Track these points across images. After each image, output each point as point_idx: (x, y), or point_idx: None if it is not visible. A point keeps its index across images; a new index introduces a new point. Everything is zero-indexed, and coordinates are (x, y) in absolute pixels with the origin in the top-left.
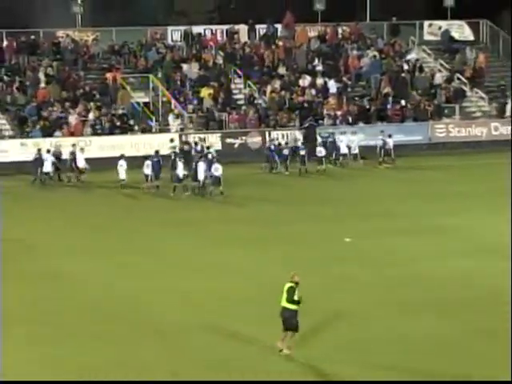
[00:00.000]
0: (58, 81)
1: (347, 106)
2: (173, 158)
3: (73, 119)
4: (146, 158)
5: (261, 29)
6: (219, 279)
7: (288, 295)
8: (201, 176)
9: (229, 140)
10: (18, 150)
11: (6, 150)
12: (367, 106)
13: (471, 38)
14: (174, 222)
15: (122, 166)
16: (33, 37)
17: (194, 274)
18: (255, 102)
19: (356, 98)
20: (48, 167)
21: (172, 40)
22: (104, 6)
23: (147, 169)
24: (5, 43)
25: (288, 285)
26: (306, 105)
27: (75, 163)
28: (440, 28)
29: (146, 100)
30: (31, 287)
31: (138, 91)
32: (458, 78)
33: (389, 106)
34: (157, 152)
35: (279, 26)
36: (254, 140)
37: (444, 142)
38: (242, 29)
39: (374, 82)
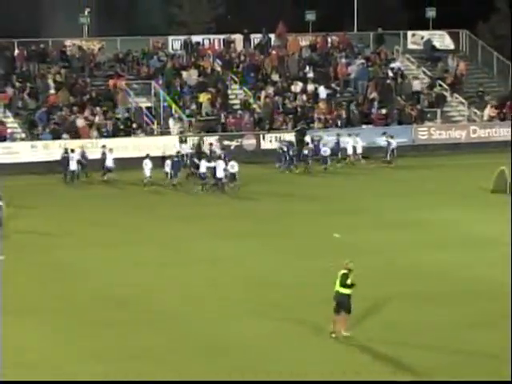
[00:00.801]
0: (66, 87)
1: (336, 110)
2: (194, 158)
3: (80, 123)
4: (165, 158)
5: (255, 38)
6: (224, 269)
7: (341, 280)
8: (220, 173)
9: (225, 142)
10: (29, 152)
11: (18, 152)
12: (354, 111)
13: (451, 47)
14: (190, 217)
15: (147, 164)
16: (42, 46)
17: (201, 265)
18: (250, 106)
19: (344, 103)
20: (74, 166)
21: (172, 49)
22: (109, 17)
23: (167, 167)
24: (16, 52)
25: (342, 271)
26: (298, 109)
27: (104, 163)
28: (422, 38)
29: (149, 105)
30: (49, 277)
31: (141, 96)
32: (440, 85)
33: (373, 111)
34: (178, 152)
35: (272, 36)
36: (249, 142)
37: (426, 144)
38: (238, 38)
39: (361, 88)
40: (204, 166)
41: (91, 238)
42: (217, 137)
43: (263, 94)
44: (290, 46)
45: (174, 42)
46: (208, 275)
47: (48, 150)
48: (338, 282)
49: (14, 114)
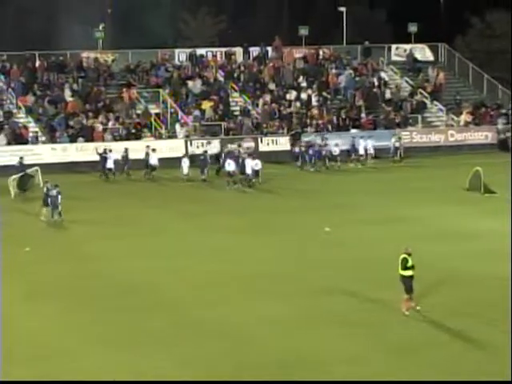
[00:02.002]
0: (82, 95)
1: (328, 116)
2: (223, 157)
3: (95, 127)
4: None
5: (254, 51)
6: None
7: (401, 264)
8: (248, 170)
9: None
10: (49, 154)
11: (40, 154)
12: (343, 117)
13: (431, 59)
14: (207, 211)
15: (186, 162)
16: (61, 57)
17: (211, 256)
18: (249, 112)
19: (334, 109)
20: (110, 164)
21: (179, 60)
22: (121, 32)
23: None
24: (37, 63)
25: (402, 256)
26: (293, 115)
27: (148, 161)
28: (405, 50)
29: (157, 111)
30: (66, 267)
31: (150, 103)
32: (421, 93)
33: (363, 116)
34: (205, 152)
35: (269, 49)
36: (248, 145)
37: (409, 147)
38: (238, 51)
39: (350, 96)
40: (232, 164)
41: (114, 230)
42: (219, 140)
43: (261, 101)
44: (285, 57)
45: (180, 55)
46: (215, 266)
47: (66, 152)
48: (399, 267)
49: (35, 119)
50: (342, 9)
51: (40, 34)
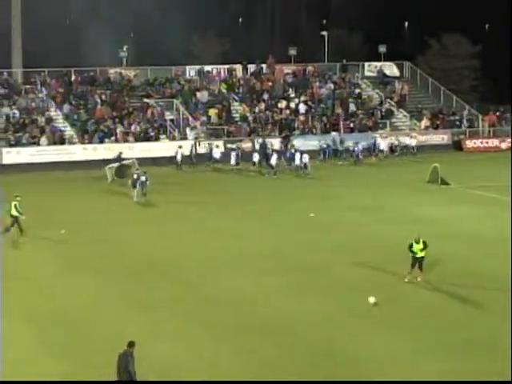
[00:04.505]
0: (110, 104)
1: (312, 121)
2: (268, 151)
3: (120, 131)
4: (232, 149)
5: (251, 67)
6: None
7: (408, 247)
8: (297, 161)
9: (228, 145)
10: (82, 153)
11: (74, 153)
12: (325, 122)
13: (397, 74)
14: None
15: (233, 155)
16: (92, 73)
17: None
18: (247, 118)
19: (317, 116)
20: (179, 157)
21: (189, 75)
22: (142, 52)
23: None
24: (73, 77)
25: (409, 241)
26: (283, 121)
27: (212, 155)
28: (376, 67)
29: (172, 117)
30: (89, 249)
31: (166, 111)
32: (389, 102)
33: (341, 122)
34: (238, 146)
35: (264, 66)
36: (246, 145)
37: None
38: (238, 68)
39: (330, 105)
40: (274, 158)
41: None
42: (222, 141)
43: (257, 109)
44: (277, 73)
45: (190, 71)
46: (223, 245)
47: (96, 151)
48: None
49: (70, 124)
50: (324, 33)
51: (75, 54)
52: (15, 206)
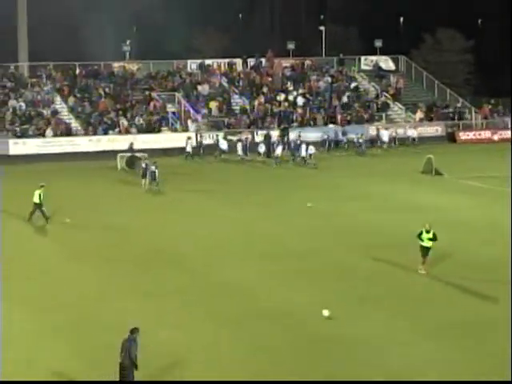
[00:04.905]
0: (113, 97)
1: (310, 114)
2: (275, 142)
3: (123, 123)
4: (239, 140)
5: (251, 61)
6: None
7: (418, 236)
8: (303, 153)
9: (229, 137)
10: (87, 144)
11: (79, 144)
12: (322, 114)
13: (393, 68)
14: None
15: (240, 146)
16: (96, 67)
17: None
18: (247, 111)
19: (315, 109)
20: (189, 148)
21: (190, 69)
22: (144, 46)
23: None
24: (77, 71)
25: (419, 231)
26: (281, 113)
27: (219, 146)
28: (372, 61)
29: (173, 110)
30: (96, 236)
31: (168, 103)
32: (385, 95)
33: (339, 115)
34: (246, 138)
35: (263, 60)
36: (238, 138)
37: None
38: (238, 61)
39: (328, 98)
40: (279, 148)
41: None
42: (223, 133)
43: (256, 102)
44: (276, 67)
45: (192, 64)
46: (229, 234)
47: (100, 143)
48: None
49: (75, 116)
50: (322, 28)
51: (79, 48)
52: (39, 194)
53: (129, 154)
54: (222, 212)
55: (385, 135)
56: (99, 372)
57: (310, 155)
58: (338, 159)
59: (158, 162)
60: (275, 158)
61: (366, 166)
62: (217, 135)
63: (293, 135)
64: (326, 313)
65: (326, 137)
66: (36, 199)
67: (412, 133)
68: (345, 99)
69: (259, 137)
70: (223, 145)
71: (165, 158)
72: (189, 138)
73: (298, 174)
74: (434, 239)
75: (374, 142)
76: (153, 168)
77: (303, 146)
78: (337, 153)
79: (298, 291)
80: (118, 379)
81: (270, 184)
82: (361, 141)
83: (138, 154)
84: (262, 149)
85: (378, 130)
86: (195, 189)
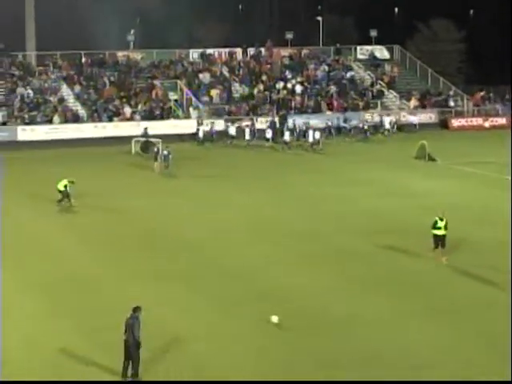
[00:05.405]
0: (118, 85)
1: (308, 101)
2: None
3: (127, 110)
4: (246, 126)
5: (251, 51)
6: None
7: (432, 225)
8: (311, 138)
9: (228, 124)
10: (92, 130)
11: (84, 130)
12: (319, 102)
13: (388, 57)
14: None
15: (247, 131)
16: (101, 56)
17: (220, 208)
18: (247, 98)
19: (312, 96)
20: (201, 134)
21: (192, 58)
22: (148, 36)
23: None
24: (83, 60)
25: (435, 219)
26: (280, 101)
27: (228, 132)
28: (367, 50)
29: (176, 97)
30: (103, 218)
31: (171, 91)
32: (380, 83)
33: (335, 102)
34: (253, 124)
35: (263, 49)
36: (246, 124)
37: (363, 127)
38: (238, 51)
39: (325, 86)
40: (287, 134)
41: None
42: (223, 120)
43: (256, 89)
44: (275, 56)
45: (193, 54)
46: (235, 217)
47: (105, 129)
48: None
49: (81, 103)
50: (319, 18)
51: (85, 37)
52: (65, 185)
53: (143, 139)
54: (229, 196)
55: (387, 122)
56: (102, 351)
57: (318, 140)
58: (343, 145)
59: (171, 147)
60: (283, 144)
61: (369, 151)
62: (225, 121)
63: (300, 121)
64: (274, 319)
65: (329, 123)
66: (61, 187)
67: (413, 119)
68: (344, 88)
69: (258, 124)
70: (232, 130)
71: (178, 144)
72: (200, 124)
73: (305, 159)
74: (446, 226)
75: (378, 128)
76: (165, 152)
77: (310, 132)
78: (345, 138)
79: (299, 274)
80: (123, 357)
81: (277, 169)
82: (366, 127)
83: (152, 139)
84: (269, 134)
85: (380, 116)
86: (204, 174)
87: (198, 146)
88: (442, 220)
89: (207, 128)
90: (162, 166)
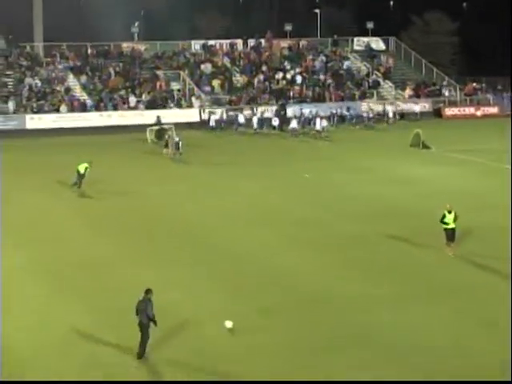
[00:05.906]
0: (122, 75)
1: (306, 91)
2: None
3: (132, 99)
4: (254, 114)
5: (251, 42)
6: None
7: (441, 218)
8: (318, 127)
9: (230, 113)
10: (97, 119)
11: (90, 119)
12: (317, 91)
13: (383, 48)
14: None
15: (254, 120)
16: (106, 47)
17: (223, 195)
18: (247, 88)
19: (311, 86)
20: (212, 123)
21: (194, 49)
22: (152, 28)
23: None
24: (89, 51)
25: (444, 212)
26: (280, 90)
27: (237, 120)
28: (364, 42)
29: (178, 87)
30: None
31: (174, 81)
32: (375, 74)
33: (332, 91)
34: (262, 113)
35: (263, 40)
36: (247, 113)
37: (368, 116)
38: (239, 42)
39: (323, 76)
40: (294, 122)
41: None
42: (225, 109)
43: (256, 80)
44: (274, 47)
45: (195, 45)
46: (239, 203)
47: (111, 118)
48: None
49: (87, 93)
50: (317, 10)
51: (91, 29)
52: (86, 168)
53: (157, 127)
54: (236, 183)
55: (390, 111)
56: (112, 331)
57: (324, 128)
58: (347, 132)
59: (182, 134)
60: (290, 131)
61: (372, 139)
62: (234, 110)
63: (307, 110)
64: (228, 324)
65: (334, 111)
66: (81, 169)
67: (416, 108)
68: (338, 77)
69: (257, 113)
70: (241, 119)
71: (188, 131)
72: (212, 113)
73: (311, 147)
74: (455, 219)
75: (381, 116)
76: (176, 139)
77: (317, 120)
78: (349, 126)
79: (297, 257)
80: (138, 339)
81: (283, 156)
82: (371, 115)
83: (165, 126)
84: (276, 122)
85: (384, 105)
86: (213, 161)
87: (208, 134)
88: (450, 213)
89: (217, 117)
90: (173, 152)
